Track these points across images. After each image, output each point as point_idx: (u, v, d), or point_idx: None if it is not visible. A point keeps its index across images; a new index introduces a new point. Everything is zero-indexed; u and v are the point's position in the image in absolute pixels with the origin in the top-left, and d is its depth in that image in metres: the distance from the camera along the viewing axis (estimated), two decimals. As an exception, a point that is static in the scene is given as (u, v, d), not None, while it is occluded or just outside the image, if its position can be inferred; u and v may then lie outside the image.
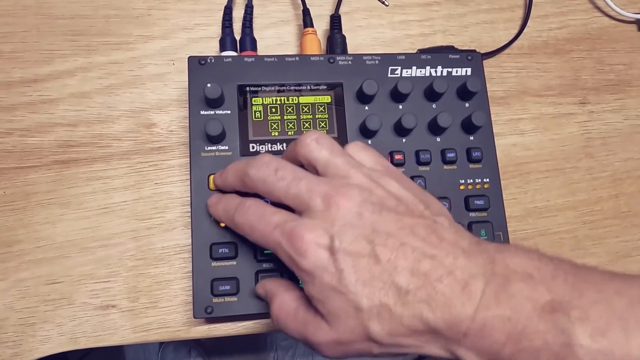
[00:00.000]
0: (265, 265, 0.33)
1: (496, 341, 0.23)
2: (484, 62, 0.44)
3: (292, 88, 0.36)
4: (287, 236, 0.26)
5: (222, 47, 0.39)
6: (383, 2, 0.44)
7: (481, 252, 0.25)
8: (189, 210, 0.37)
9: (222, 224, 0.33)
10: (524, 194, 0.42)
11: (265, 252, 0.33)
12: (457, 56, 0.38)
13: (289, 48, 0.42)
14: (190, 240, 0.36)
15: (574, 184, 0.43)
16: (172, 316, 0.36)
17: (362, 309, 0.24)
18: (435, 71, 0.38)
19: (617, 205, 0.43)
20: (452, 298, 0.23)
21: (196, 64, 0.35)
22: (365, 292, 0.24)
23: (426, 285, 0.24)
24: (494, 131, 0.41)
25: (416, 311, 0.24)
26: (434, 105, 0.37)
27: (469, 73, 0.38)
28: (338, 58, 0.37)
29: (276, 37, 0.42)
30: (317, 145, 0.28)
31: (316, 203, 0.26)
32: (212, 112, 0.35)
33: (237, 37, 0.40)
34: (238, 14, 0.42)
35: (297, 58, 0.37)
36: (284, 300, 0.29)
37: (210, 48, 0.41)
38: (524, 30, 0.45)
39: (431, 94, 0.37)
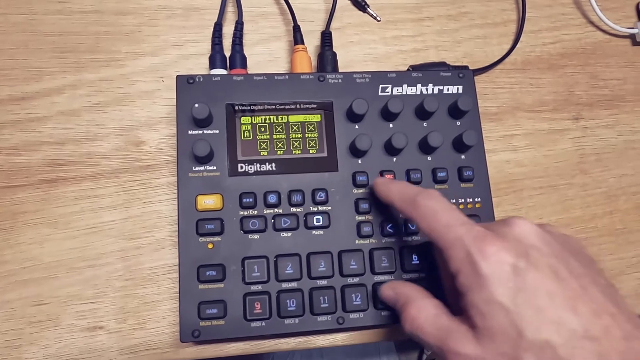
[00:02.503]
0: (253, 288, 0.33)
1: None
2: (477, 77, 0.44)
3: (281, 107, 0.36)
4: (475, 235, 0.25)
5: (212, 65, 0.39)
6: (375, 18, 0.44)
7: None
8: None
9: (210, 245, 0.33)
10: (517, 211, 0.42)
11: (253, 274, 0.33)
12: (449, 74, 0.38)
13: (280, 64, 0.42)
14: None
15: (568, 201, 0.42)
16: (160, 337, 0.36)
17: (525, 337, 0.23)
18: (427, 89, 0.38)
19: (612, 222, 0.43)
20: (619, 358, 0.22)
21: (184, 83, 0.35)
22: (534, 320, 0.23)
23: (603, 341, 0.22)
24: (486, 147, 0.41)
25: (577, 355, 0.22)
26: (424, 124, 0.37)
27: (460, 91, 0.38)
28: (328, 76, 0.37)
29: (267, 53, 0.42)
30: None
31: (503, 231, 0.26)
32: (200, 132, 0.35)
33: (228, 53, 0.40)
34: (229, 30, 0.41)
35: (287, 76, 0.36)
36: (424, 305, 0.28)
37: (200, 65, 0.41)
38: (517, 45, 0.45)
39: (422, 113, 0.36)
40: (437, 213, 0.27)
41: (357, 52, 0.43)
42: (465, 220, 0.27)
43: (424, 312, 0.27)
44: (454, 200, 0.36)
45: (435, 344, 0.26)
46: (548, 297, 0.23)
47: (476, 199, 0.36)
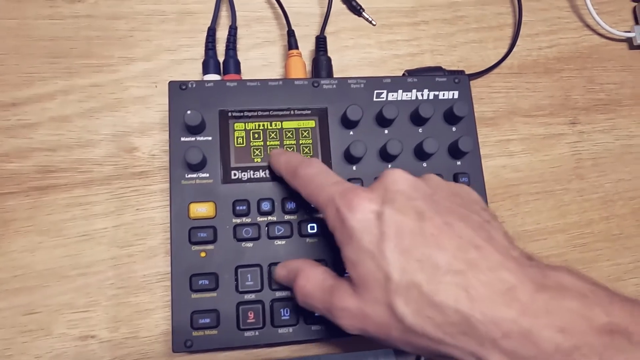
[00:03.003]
0: (247, 297, 0.32)
1: (543, 351, 0.21)
2: (473, 82, 0.43)
3: (275, 113, 0.35)
4: (343, 192, 0.26)
5: (205, 70, 0.38)
6: (370, 22, 0.44)
7: (531, 265, 0.24)
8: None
9: (203, 254, 0.32)
10: (513, 216, 0.41)
11: (246, 282, 0.32)
12: (444, 79, 0.38)
13: (274, 69, 0.42)
14: (171, 268, 0.35)
15: (565, 206, 0.42)
16: (152, 346, 0.35)
17: (392, 279, 0.23)
18: (422, 95, 0.37)
19: (609, 228, 0.42)
20: (496, 295, 0.22)
21: (177, 89, 0.35)
22: (399, 262, 0.23)
23: (468, 273, 0.22)
24: (482, 152, 0.41)
25: (450, 294, 0.22)
26: (420, 130, 0.36)
27: (456, 96, 0.37)
28: (322, 82, 0.36)
29: (261, 57, 0.42)
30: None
31: (376, 186, 0.26)
32: (193, 139, 0.34)
33: (222, 58, 0.39)
34: (222, 35, 0.41)
35: (281, 82, 0.36)
36: (311, 273, 0.28)
37: (194, 70, 0.41)
38: (514, 50, 0.45)
39: (417, 119, 0.36)
40: (314, 178, 0.28)
41: (352, 57, 0.43)
42: (337, 179, 0.28)
43: (312, 279, 0.28)
44: (450, 207, 0.36)
45: (323, 306, 0.27)
46: (411, 237, 0.23)
47: (472, 206, 0.36)
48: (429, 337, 0.23)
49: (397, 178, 0.26)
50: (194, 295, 0.32)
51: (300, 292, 0.28)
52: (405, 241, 0.23)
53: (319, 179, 0.28)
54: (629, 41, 0.47)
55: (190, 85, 0.35)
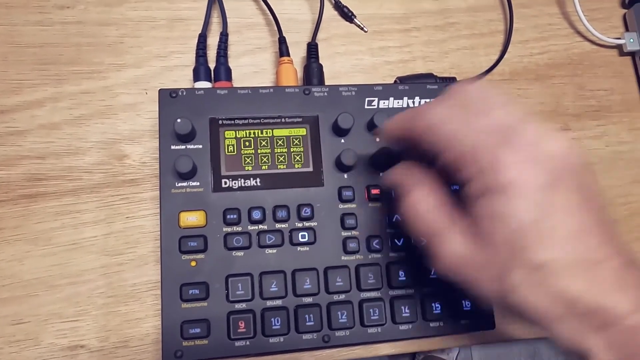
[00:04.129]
0: (237, 306, 0.32)
1: None
2: (465, 88, 0.43)
3: (266, 121, 0.35)
4: (506, 136, 0.23)
5: (196, 77, 0.38)
6: (362, 28, 0.44)
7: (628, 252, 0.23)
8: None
9: (193, 263, 0.32)
10: (505, 223, 0.41)
11: (237, 292, 0.32)
12: (435, 86, 0.38)
13: (266, 76, 0.41)
14: (162, 277, 0.35)
15: (556, 213, 0.42)
16: (143, 356, 0.35)
17: (526, 254, 0.22)
18: (413, 102, 0.37)
19: (599, 234, 0.42)
20: (614, 286, 0.22)
21: (167, 97, 0.35)
22: (543, 241, 0.22)
23: (592, 265, 0.22)
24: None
25: (568, 281, 0.22)
26: (411, 137, 0.36)
27: (447, 104, 0.37)
28: (314, 89, 0.36)
29: (252, 64, 0.42)
30: None
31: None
32: (183, 147, 0.34)
33: (213, 65, 0.39)
34: (214, 41, 0.41)
35: (272, 90, 0.36)
36: (427, 193, 0.26)
37: (184, 76, 0.40)
38: (505, 56, 0.45)
39: (408, 126, 0.36)
40: (452, 120, 0.25)
41: (344, 63, 0.43)
42: (493, 122, 0.24)
43: (424, 201, 0.26)
44: (441, 215, 0.36)
45: (426, 236, 0.26)
46: (562, 222, 0.22)
47: (463, 213, 0.36)
48: (533, 312, 0.23)
49: (568, 153, 0.23)
50: (185, 305, 0.32)
51: (411, 204, 0.26)
52: (557, 223, 0.22)
53: (463, 122, 0.25)
54: (619, 48, 0.47)
55: (180, 93, 0.35)
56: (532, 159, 0.23)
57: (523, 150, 0.23)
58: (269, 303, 0.32)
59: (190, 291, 0.32)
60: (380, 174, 0.35)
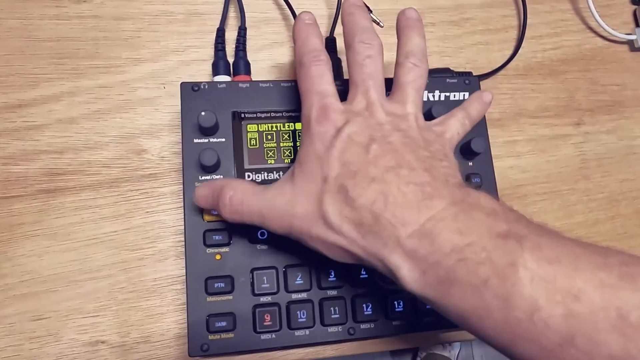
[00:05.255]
0: (262, 300, 0.32)
1: (438, 249, 0.23)
2: (480, 83, 0.44)
3: (288, 114, 0.35)
4: (320, 107, 0.28)
5: (215, 71, 0.38)
6: (378, 23, 0.44)
7: (461, 188, 0.26)
8: (182, 239, 0.36)
9: (218, 256, 0.32)
10: (521, 217, 0.42)
11: (263, 285, 0.32)
12: (455, 80, 0.38)
13: (284, 70, 0.41)
14: (183, 271, 0.35)
15: (571, 206, 0.43)
16: (165, 351, 0.35)
17: (328, 180, 0.26)
18: (433, 96, 0.37)
19: (614, 227, 0.43)
20: (411, 202, 0.24)
21: (189, 91, 0.34)
22: (338, 169, 0.26)
23: (392, 184, 0.25)
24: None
25: (370, 197, 0.25)
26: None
27: (466, 97, 0.38)
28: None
29: (270, 59, 0.42)
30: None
31: (360, 102, 0.29)
32: (206, 140, 0.34)
33: (230, 59, 0.39)
34: (231, 36, 0.41)
35: (293, 83, 0.36)
36: (238, 183, 0.30)
37: (202, 71, 0.40)
38: (519, 51, 0.45)
39: (430, 119, 0.36)
40: (311, 78, 0.29)
41: (361, 58, 0.43)
42: (323, 89, 0.29)
43: (239, 187, 0.29)
44: (463, 208, 0.36)
45: (256, 209, 0.28)
46: (355, 154, 0.26)
47: (484, 206, 0.36)
48: (346, 237, 0.26)
49: (377, 109, 0.29)
50: (210, 299, 0.32)
51: (229, 202, 0.29)
52: (348, 155, 0.26)
53: (315, 80, 0.29)
54: (631, 43, 0.47)
55: (202, 87, 0.35)
56: (332, 119, 0.28)
57: (327, 114, 0.28)
58: (294, 296, 0.32)
59: (216, 285, 0.31)
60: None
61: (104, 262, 0.36)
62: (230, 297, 0.32)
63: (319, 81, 0.29)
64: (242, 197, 0.29)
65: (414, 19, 0.33)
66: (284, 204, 0.27)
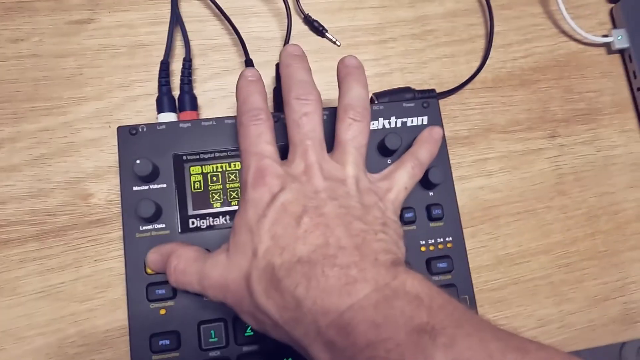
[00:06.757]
0: (211, 354, 0.31)
1: (353, 344, 0.22)
2: (445, 99, 0.41)
3: (233, 153, 0.33)
4: (258, 167, 0.27)
5: (159, 109, 0.36)
6: (334, 42, 0.42)
7: (389, 268, 0.24)
8: (132, 290, 0.34)
9: (162, 311, 0.31)
10: (494, 240, 0.40)
11: (210, 339, 0.30)
12: (412, 104, 0.36)
13: (234, 100, 0.39)
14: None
15: (547, 225, 0.40)
16: (119, 406, 0.33)
17: (257, 255, 0.25)
18: (389, 123, 0.35)
19: (594, 245, 0.41)
20: (333, 288, 0.23)
21: (127, 135, 0.33)
22: (268, 243, 0.25)
23: (317, 265, 0.24)
24: (459, 174, 0.39)
25: (293, 282, 0.24)
26: (388, 161, 0.34)
27: (425, 122, 0.35)
28: (282, 116, 0.34)
29: (220, 88, 0.40)
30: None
31: (299, 165, 0.28)
32: (146, 187, 0.32)
33: (176, 93, 0.37)
34: (178, 66, 0.39)
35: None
36: (183, 250, 0.29)
37: (149, 106, 0.38)
38: (487, 62, 0.43)
39: (384, 150, 0.34)
40: (251, 136, 0.28)
41: (318, 81, 0.40)
42: (260, 149, 0.27)
43: (184, 255, 0.28)
44: (423, 242, 0.34)
45: (196, 279, 0.27)
46: (285, 227, 0.25)
47: (447, 239, 0.34)
48: (271, 318, 0.24)
49: (313, 178, 0.27)
50: (155, 357, 0.30)
51: (173, 271, 0.28)
52: (279, 228, 0.25)
53: (253, 140, 0.28)
54: (607, 46, 0.45)
55: (140, 130, 0.33)
56: (267, 183, 0.26)
57: (262, 177, 0.27)
58: (245, 349, 0.31)
59: (161, 342, 0.30)
60: (357, 204, 0.33)
61: (53, 316, 0.34)
62: (176, 353, 0.30)
63: (257, 141, 0.28)
64: (185, 266, 0.28)
65: (353, 66, 0.31)
66: (218, 275, 0.27)
